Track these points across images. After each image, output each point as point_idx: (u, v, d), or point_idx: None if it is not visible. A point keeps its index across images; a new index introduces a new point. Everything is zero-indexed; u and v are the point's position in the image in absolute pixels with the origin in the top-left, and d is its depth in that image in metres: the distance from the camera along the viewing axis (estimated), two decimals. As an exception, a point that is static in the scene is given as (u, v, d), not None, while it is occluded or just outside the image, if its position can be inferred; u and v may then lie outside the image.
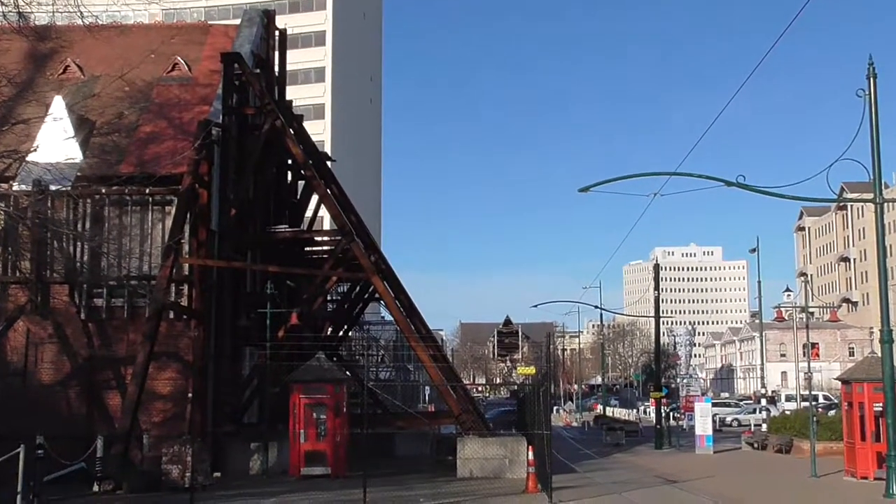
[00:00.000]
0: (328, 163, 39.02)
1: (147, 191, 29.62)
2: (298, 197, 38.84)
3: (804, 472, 28.61)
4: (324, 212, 38.83)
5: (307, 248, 38.30)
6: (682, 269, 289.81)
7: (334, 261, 32.24)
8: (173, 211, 29.46)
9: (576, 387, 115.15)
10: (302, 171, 35.28)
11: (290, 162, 37.11)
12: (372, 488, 21.52)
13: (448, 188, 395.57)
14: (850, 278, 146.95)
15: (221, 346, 30.42)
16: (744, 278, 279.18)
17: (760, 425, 47.27)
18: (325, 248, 37.53)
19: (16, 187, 27.93)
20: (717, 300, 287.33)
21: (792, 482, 27.54)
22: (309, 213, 39.62)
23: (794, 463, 33.46)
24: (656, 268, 52.19)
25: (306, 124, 39.25)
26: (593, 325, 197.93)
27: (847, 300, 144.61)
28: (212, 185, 30.60)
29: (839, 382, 30.26)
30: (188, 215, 29.55)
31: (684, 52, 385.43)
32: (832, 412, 49.82)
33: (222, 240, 31.20)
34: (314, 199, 36.53)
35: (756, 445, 41.75)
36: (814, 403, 38.83)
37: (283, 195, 37.92)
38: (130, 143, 31.56)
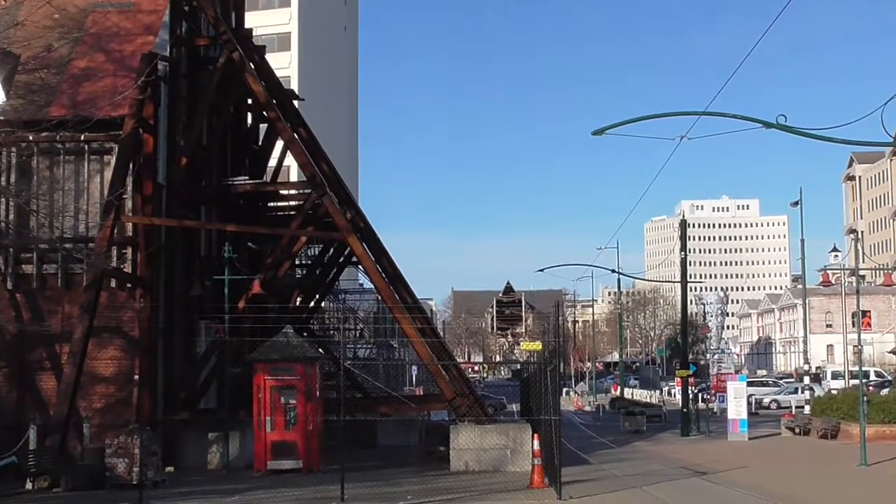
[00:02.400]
0: (295, 102, 38.80)
1: (82, 137, 29.47)
2: (260, 143, 38.70)
3: (853, 461, 28.90)
4: (290, 160, 38.67)
5: (271, 204, 38.21)
6: (713, 225, 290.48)
7: (303, 218, 32.21)
8: (113, 161, 29.35)
9: (589, 365, 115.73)
10: (264, 113, 35.08)
11: (250, 102, 36.88)
12: (350, 484, 21.66)
13: (438, 135, 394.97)
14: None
15: (172, 320, 30.46)
16: (784, 236, 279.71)
17: (803, 407, 47.63)
18: (293, 203, 37.42)
19: (-74, 134, 27.80)
20: (753, 262, 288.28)
21: (839, 472, 27.85)
22: (273, 163, 39.48)
23: (841, 450, 33.80)
24: (683, 224, 52.35)
25: (269, 57, 39.00)
26: (609, 293, 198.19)
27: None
28: (158, 129, 30.47)
29: (894, 356, 30.49)
30: (131, 166, 29.45)
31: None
32: (885, 391, 50.31)
33: (171, 194, 31.11)
34: (279, 145, 36.37)
35: (798, 430, 42.16)
36: (864, 381, 39.13)
37: (242, 141, 37.78)
38: (62, 81, 31.36)
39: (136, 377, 28.32)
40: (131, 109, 29.06)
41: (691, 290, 60.40)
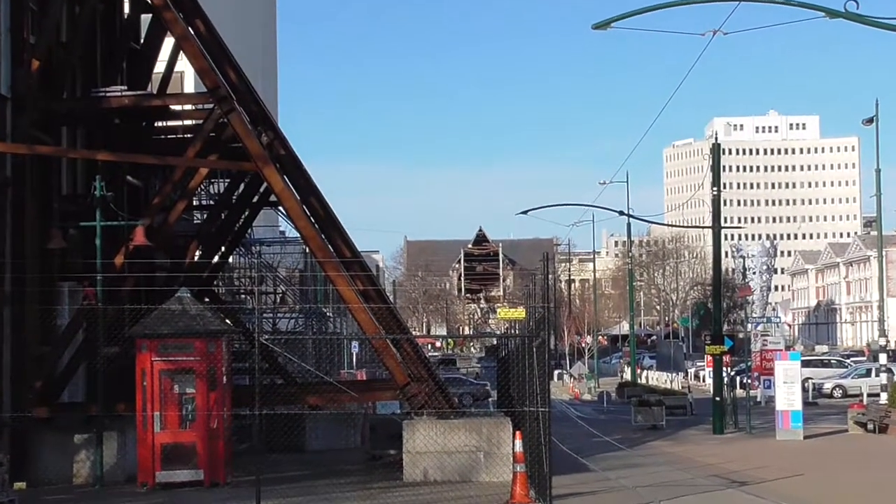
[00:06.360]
0: (190, -15, 38.47)
1: None
2: (143, 41, 38.34)
3: (944, 467, 29.24)
4: (185, 65, 38.34)
5: (159, 124, 37.90)
6: (756, 151, 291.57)
7: (203, 143, 31.99)
8: (-64, 65, 29.06)
9: (589, 339, 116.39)
10: (147, -1, 34.78)
11: (127, -17, 36.56)
12: (269, 501, 21.67)
13: (384, 35, 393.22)
14: None
15: (23, 282, 30.25)
16: (853, 165, 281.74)
17: (878, 395, 48.17)
18: (189, 122, 37.20)
19: None
20: (810, 200, 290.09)
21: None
22: (161, 68, 39.17)
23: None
24: (715, 149, 52.32)
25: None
26: (616, 243, 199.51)
27: None
28: (-2, 20, 30.15)
29: None
30: (-39, 71, 29.16)
31: None
32: None
33: (18, 110, 30.78)
34: (168, 44, 36.00)
35: (871, 426, 42.49)
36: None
37: (117, 39, 37.39)
38: None
39: (-25, 361, 28.20)
40: (-42, -7, 28.71)
41: (726, 238, 60.74)
